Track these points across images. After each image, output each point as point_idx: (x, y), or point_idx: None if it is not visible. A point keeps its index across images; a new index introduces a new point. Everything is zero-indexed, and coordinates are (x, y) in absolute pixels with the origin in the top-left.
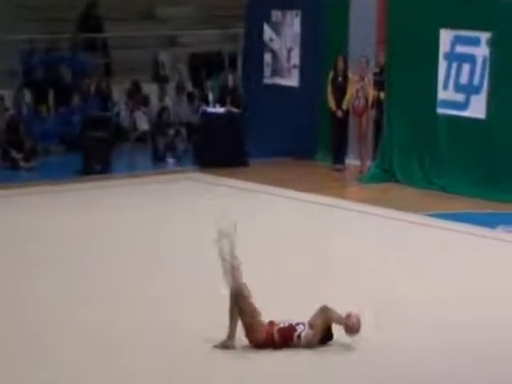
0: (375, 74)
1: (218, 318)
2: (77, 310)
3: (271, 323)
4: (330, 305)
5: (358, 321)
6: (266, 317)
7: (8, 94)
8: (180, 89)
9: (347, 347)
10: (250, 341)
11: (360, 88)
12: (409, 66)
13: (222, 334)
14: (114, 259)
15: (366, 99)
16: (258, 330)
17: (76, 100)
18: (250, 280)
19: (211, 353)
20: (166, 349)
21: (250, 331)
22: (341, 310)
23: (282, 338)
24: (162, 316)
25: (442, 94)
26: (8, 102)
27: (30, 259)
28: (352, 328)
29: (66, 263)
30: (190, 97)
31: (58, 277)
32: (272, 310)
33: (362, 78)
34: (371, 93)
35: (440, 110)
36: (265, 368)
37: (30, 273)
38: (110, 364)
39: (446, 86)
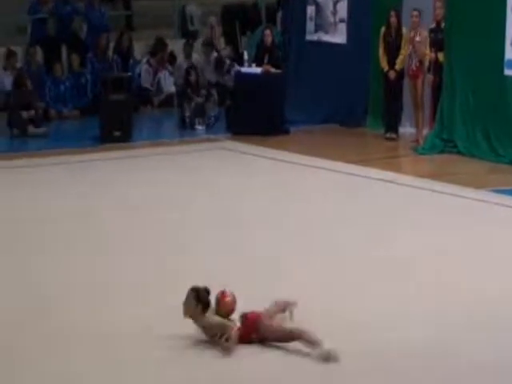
0: (431, 31)
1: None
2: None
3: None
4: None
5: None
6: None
7: (20, 51)
8: (211, 46)
9: None
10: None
11: (412, 47)
12: (471, 21)
13: None
14: (131, 245)
15: (420, 60)
16: None
17: (93, 58)
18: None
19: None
20: None
21: None
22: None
23: None
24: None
25: (510, 53)
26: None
27: (38, 244)
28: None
29: (82, 247)
30: (223, 55)
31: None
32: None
33: (415, 35)
34: (426, 53)
35: (508, 72)
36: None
37: (43, 260)
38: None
39: None
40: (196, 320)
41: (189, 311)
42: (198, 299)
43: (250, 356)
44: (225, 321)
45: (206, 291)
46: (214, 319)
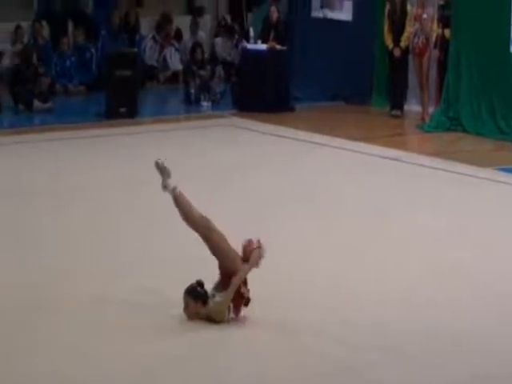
0: (440, 8)
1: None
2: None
3: None
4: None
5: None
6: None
7: (27, 26)
8: (217, 22)
9: None
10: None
11: (419, 24)
12: None
13: None
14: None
15: (427, 37)
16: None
17: (99, 34)
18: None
19: None
20: None
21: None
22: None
23: None
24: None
25: None
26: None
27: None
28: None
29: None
30: (229, 32)
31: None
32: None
33: (422, 12)
34: (434, 29)
35: None
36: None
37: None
38: None
39: None
40: (201, 315)
41: (192, 313)
42: (196, 298)
43: None
44: (222, 300)
45: (200, 285)
46: (213, 305)
